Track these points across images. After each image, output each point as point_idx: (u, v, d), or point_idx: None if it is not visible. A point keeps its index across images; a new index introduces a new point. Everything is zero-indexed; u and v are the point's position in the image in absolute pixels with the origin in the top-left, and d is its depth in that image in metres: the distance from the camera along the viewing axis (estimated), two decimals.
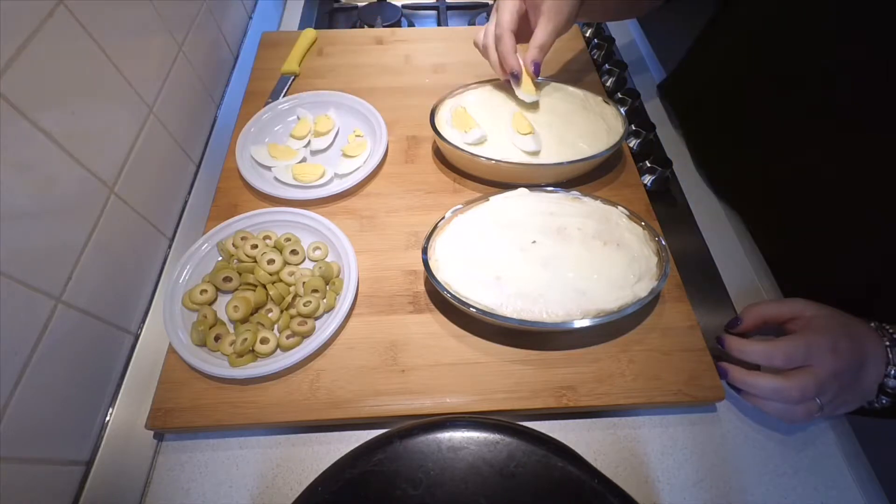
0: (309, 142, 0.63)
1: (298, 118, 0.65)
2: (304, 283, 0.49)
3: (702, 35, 0.65)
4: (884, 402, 0.41)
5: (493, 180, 0.60)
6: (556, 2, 0.52)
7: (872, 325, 0.42)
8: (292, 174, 0.59)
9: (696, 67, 0.66)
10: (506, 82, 0.59)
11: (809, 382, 0.40)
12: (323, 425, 0.45)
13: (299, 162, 0.61)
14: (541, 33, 0.53)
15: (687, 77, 0.68)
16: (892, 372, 0.40)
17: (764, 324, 0.46)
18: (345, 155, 0.62)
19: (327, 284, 0.50)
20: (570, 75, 0.73)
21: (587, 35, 0.80)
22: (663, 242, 0.50)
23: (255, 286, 0.50)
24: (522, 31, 0.55)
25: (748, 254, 0.57)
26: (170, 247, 0.57)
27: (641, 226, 0.51)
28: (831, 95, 0.47)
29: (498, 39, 0.54)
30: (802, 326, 0.43)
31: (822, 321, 0.42)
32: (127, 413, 0.46)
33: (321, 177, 0.58)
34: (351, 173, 0.60)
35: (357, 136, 0.64)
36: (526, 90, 0.57)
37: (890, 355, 0.41)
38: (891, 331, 0.41)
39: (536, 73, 0.56)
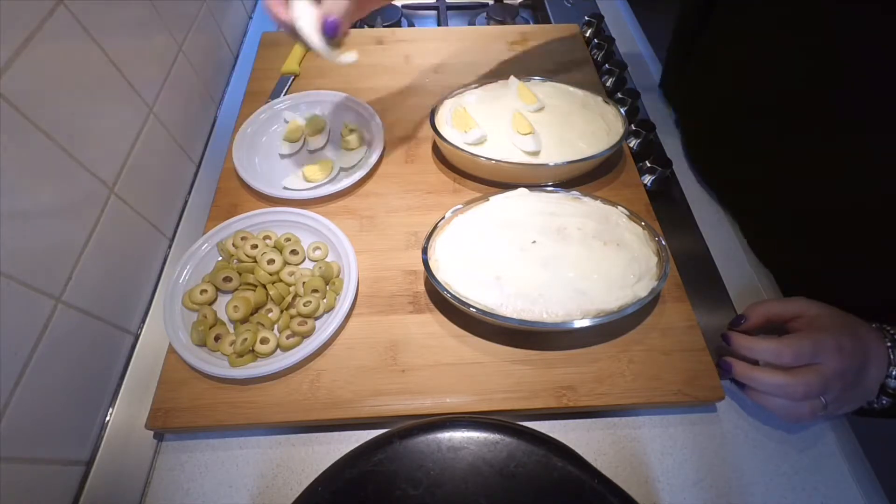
0: (305, 142, 0.63)
1: (286, 121, 0.66)
2: (304, 283, 0.49)
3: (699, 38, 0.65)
4: (884, 402, 0.42)
5: (493, 180, 0.60)
6: None
7: (874, 325, 0.42)
8: (303, 176, 0.59)
9: (690, 69, 0.66)
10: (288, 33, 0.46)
11: (815, 380, 0.40)
12: (323, 425, 0.45)
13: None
14: None
15: (682, 79, 0.68)
16: (894, 372, 0.41)
17: (767, 322, 0.46)
18: (345, 148, 0.62)
19: (327, 284, 0.50)
20: (570, 75, 0.73)
21: (587, 35, 0.80)
22: (663, 242, 0.50)
23: (255, 286, 0.50)
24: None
25: (748, 254, 0.57)
26: (170, 247, 0.57)
27: (641, 226, 0.51)
28: (831, 96, 0.47)
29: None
30: (806, 325, 0.43)
31: (827, 320, 0.43)
32: (127, 413, 0.46)
33: (331, 172, 0.59)
34: (355, 165, 0.60)
35: (350, 129, 0.64)
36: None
37: (891, 356, 0.41)
38: (892, 332, 0.41)
39: (332, 32, 0.44)
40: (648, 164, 0.61)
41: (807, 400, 0.41)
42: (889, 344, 0.41)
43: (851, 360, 0.40)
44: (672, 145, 0.68)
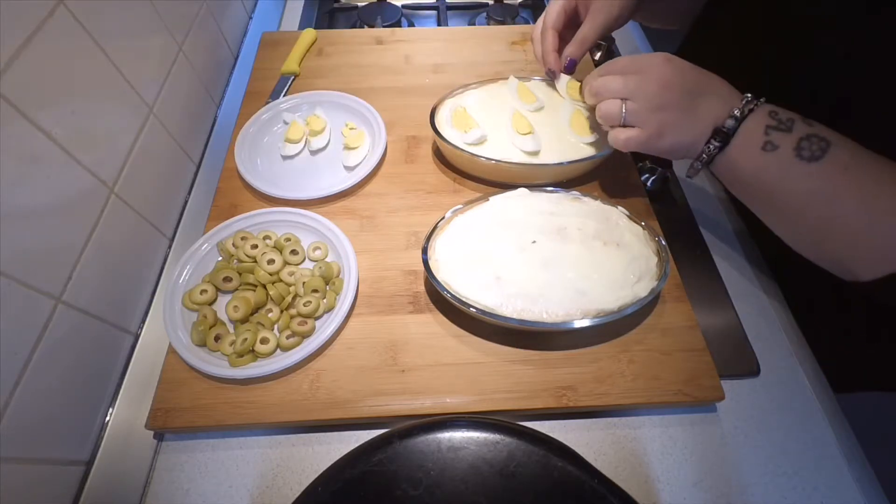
0: (307, 142, 0.63)
1: (286, 122, 0.66)
2: (304, 283, 0.49)
3: (695, 31, 0.65)
4: (712, 147, 0.43)
5: (493, 180, 0.60)
6: (606, 1, 0.52)
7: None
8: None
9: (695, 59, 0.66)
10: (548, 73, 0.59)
11: (627, 81, 0.44)
12: (323, 425, 0.45)
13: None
14: (584, 29, 0.53)
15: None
16: (736, 113, 0.41)
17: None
18: (347, 147, 0.62)
19: (327, 284, 0.50)
20: None
21: None
22: (663, 242, 0.50)
23: (255, 286, 0.50)
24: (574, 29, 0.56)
25: (748, 254, 0.57)
26: (170, 247, 0.57)
27: (641, 226, 0.51)
28: (832, 93, 0.47)
29: (542, 36, 0.56)
30: None
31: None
32: (127, 413, 0.46)
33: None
34: (360, 163, 0.61)
35: (351, 128, 0.64)
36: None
37: (742, 103, 0.42)
38: (760, 100, 0.42)
39: (570, 70, 0.57)
40: (648, 164, 0.61)
41: (606, 96, 0.45)
42: (748, 97, 0.42)
43: (683, 78, 0.43)
44: None
